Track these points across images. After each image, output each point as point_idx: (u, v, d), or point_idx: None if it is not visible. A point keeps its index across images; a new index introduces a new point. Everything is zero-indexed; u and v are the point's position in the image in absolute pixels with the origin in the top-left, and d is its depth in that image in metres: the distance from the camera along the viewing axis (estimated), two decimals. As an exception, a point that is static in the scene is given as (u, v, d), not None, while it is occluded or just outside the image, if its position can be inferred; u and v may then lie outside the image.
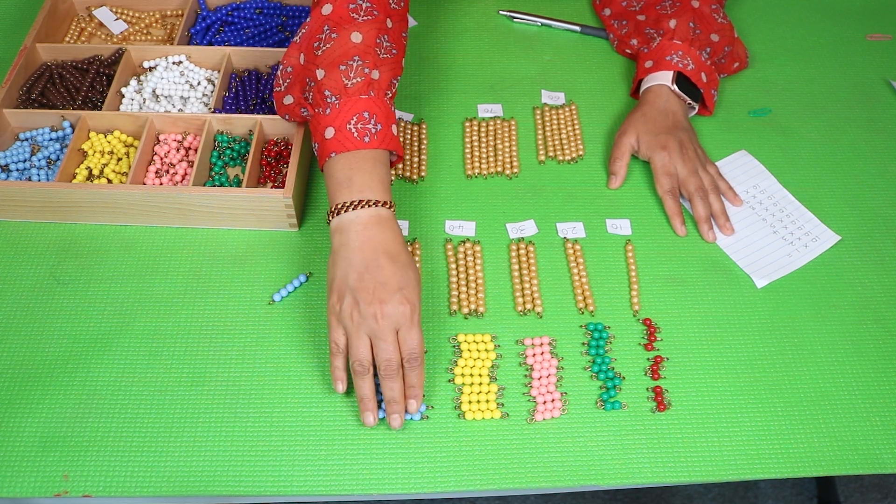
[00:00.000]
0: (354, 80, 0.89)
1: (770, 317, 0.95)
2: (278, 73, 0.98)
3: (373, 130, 0.88)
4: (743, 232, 1.03)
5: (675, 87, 1.08)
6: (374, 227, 0.84)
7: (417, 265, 0.98)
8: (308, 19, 0.95)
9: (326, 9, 0.92)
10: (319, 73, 0.90)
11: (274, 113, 1.07)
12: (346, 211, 0.85)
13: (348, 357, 0.84)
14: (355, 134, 0.87)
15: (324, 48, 0.90)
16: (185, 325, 0.92)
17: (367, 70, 0.89)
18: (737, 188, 1.06)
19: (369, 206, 0.85)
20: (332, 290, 0.84)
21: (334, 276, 0.84)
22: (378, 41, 0.91)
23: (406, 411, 0.84)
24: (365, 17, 0.91)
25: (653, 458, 0.85)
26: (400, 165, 1.07)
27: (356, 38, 0.90)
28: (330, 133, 0.88)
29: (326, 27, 0.91)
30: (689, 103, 1.10)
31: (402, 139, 1.10)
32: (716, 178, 1.05)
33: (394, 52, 0.92)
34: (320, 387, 0.88)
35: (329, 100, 0.89)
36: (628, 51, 1.20)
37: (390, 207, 0.86)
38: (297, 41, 0.96)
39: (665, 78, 1.08)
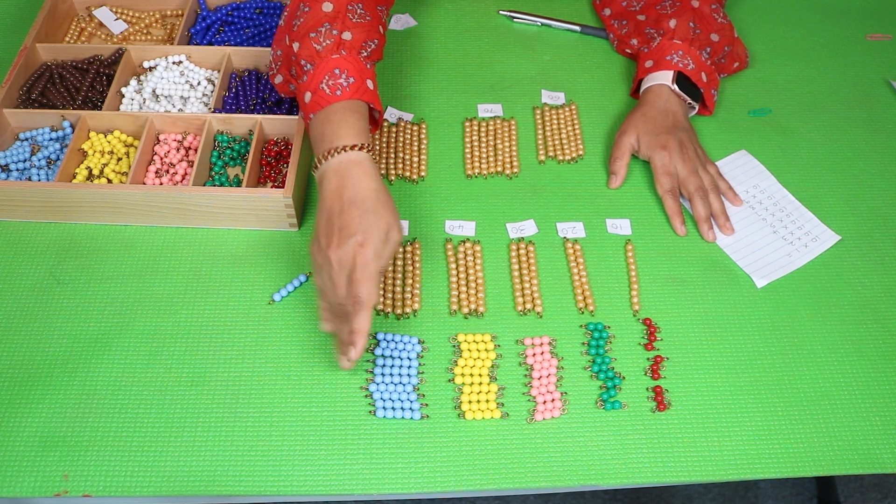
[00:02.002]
0: (325, 43, 0.90)
1: (770, 317, 0.95)
2: (271, 58, 1.01)
3: (344, 84, 0.89)
4: (743, 232, 1.03)
5: (676, 87, 1.08)
6: (343, 174, 0.85)
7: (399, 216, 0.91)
8: (289, 2, 0.97)
9: None
10: (295, 46, 0.92)
11: (274, 113, 1.08)
12: (320, 165, 0.87)
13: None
14: (327, 91, 0.89)
15: (297, 23, 0.93)
16: (185, 325, 0.92)
17: (335, 32, 0.90)
18: (737, 188, 1.06)
19: (337, 152, 0.86)
20: (312, 238, 0.87)
21: (314, 224, 0.87)
22: (350, 8, 0.92)
23: (347, 357, 0.84)
24: None
25: (653, 458, 0.85)
26: (400, 165, 1.07)
27: (327, 7, 0.92)
28: (308, 98, 0.90)
29: (301, 3, 0.94)
30: (690, 103, 1.10)
31: (402, 139, 1.10)
32: (716, 178, 1.05)
33: (368, 18, 0.94)
34: (320, 387, 0.88)
35: (305, 68, 0.91)
36: (628, 51, 1.20)
37: (361, 149, 0.86)
38: (282, 24, 0.99)
39: (665, 78, 1.08)
